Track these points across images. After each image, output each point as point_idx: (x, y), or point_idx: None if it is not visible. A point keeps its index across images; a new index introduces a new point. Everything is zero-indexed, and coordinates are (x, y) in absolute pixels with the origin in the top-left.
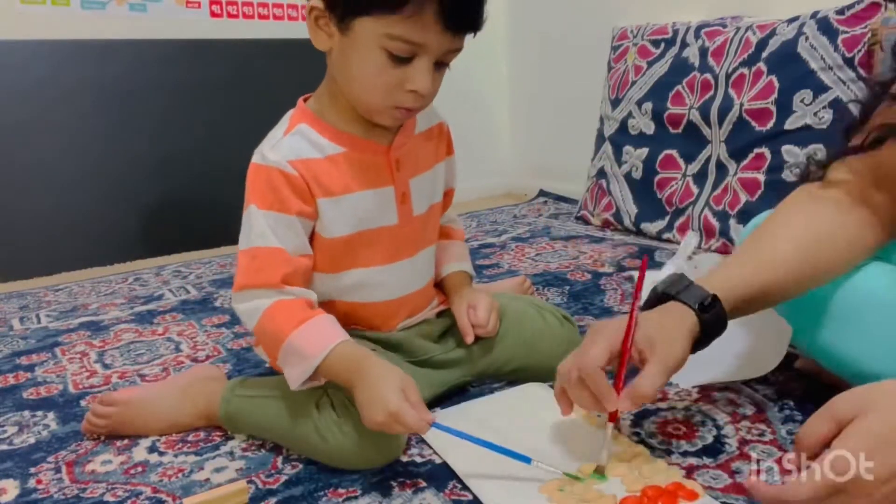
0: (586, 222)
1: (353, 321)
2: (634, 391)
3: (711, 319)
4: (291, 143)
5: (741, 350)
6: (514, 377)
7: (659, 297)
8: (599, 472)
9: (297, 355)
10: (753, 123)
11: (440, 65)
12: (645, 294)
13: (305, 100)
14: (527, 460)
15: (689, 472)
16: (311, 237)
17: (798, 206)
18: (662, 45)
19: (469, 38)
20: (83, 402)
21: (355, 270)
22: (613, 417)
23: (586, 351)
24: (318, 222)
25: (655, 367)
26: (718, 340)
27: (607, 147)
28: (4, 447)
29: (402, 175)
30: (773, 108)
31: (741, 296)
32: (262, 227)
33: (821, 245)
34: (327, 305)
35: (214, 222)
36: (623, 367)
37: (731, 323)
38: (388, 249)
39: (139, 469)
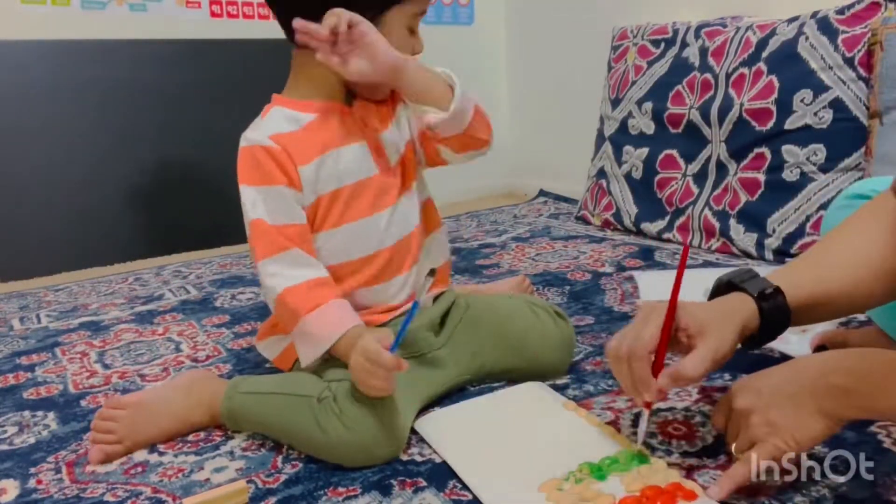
0: (586, 222)
1: (366, 278)
2: (678, 371)
3: (771, 309)
4: (270, 122)
5: None
6: (508, 376)
7: (722, 287)
8: (641, 455)
9: (309, 337)
10: (753, 123)
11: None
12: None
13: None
14: (415, 306)
15: (689, 472)
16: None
17: (882, 218)
18: (662, 44)
19: (469, 39)
20: (83, 402)
21: (350, 224)
22: (650, 404)
23: (639, 332)
24: (307, 187)
25: (703, 352)
26: None
27: (607, 147)
28: (4, 447)
29: (370, 131)
30: (773, 108)
31: (813, 289)
32: (255, 201)
33: (880, 240)
34: (335, 269)
35: (214, 222)
36: (663, 351)
37: None
38: (374, 198)
39: (139, 469)
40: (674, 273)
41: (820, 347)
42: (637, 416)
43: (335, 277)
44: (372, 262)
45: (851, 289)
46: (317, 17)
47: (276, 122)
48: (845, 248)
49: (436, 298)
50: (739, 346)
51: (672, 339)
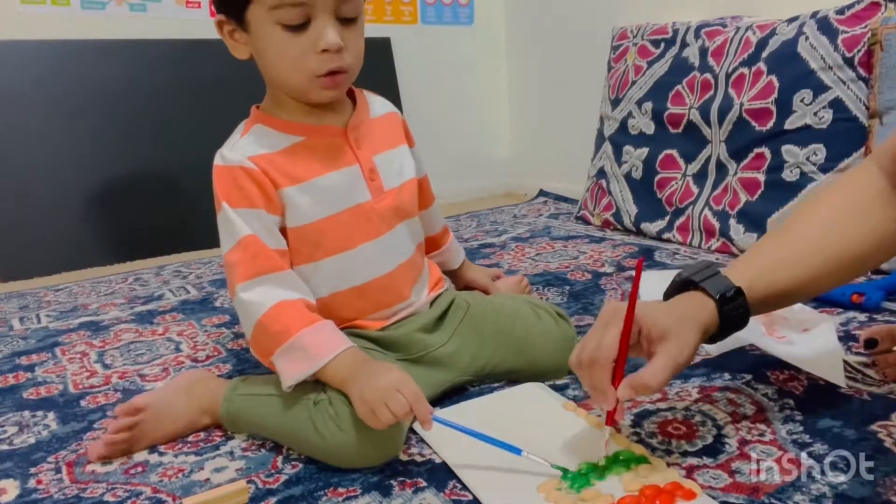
0: (586, 222)
1: (358, 309)
2: (638, 380)
3: (732, 312)
4: (249, 142)
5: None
6: (509, 377)
7: (682, 284)
8: (598, 473)
9: (302, 353)
10: (753, 123)
11: (346, 21)
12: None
13: (257, 108)
14: (517, 451)
15: (689, 472)
16: (285, 232)
17: (834, 186)
18: (662, 44)
19: (469, 39)
20: (83, 402)
21: (343, 254)
22: (610, 418)
23: (600, 340)
24: (291, 213)
25: (663, 361)
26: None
27: (607, 147)
28: (4, 447)
29: (364, 153)
30: (773, 108)
31: (770, 287)
32: (239, 221)
33: (847, 225)
34: (328, 300)
35: (214, 222)
36: (622, 362)
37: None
38: (368, 226)
39: (139, 469)
40: (674, 273)
41: (870, 342)
42: (635, 417)
43: (327, 309)
44: (365, 293)
45: (815, 277)
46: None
47: (256, 143)
48: (816, 230)
49: (433, 301)
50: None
51: (636, 343)
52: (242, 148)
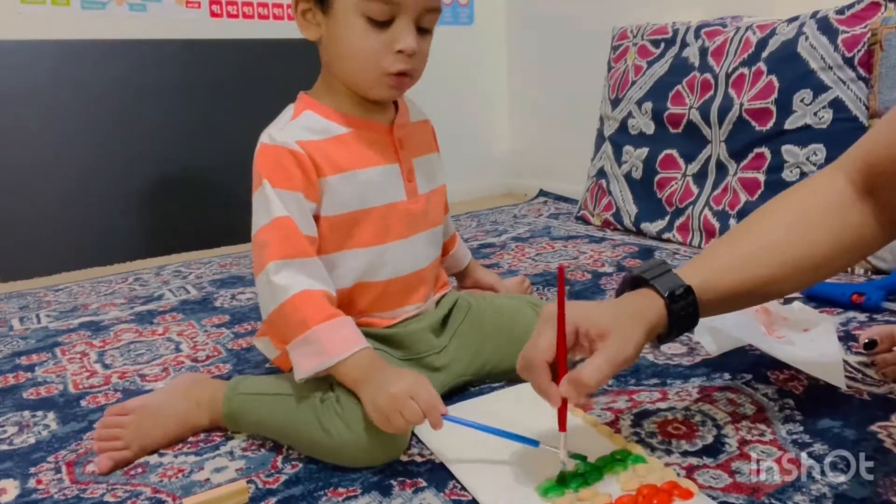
0: (586, 222)
1: (374, 304)
2: (576, 377)
3: (681, 311)
4: (299, 126)
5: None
6: (509, 377)
7: (633, 281)
8: (560, 481)
9: (317, 347)
10: (753, 123)
11: (422, 31)
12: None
13: (306, 94)
14: (534, 444)
15: (689, 471)
16: (317, 221)
17: (797, 190)
18: (662, 44)
19: (469, 38)
20: (83, 402)
21: (371, 248)
22: (563, 418)
23: (535, 343)
24: (329, 201)
25: (602, 359)
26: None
27: (607, 147)
28: (4, 447)
29: (405, 154)
30: (773, 108)
31: (723, 287)
32: (276, 201)
33: (807, 230)
34: (349, 291)
35: (214, 222)
36: (562, 360)
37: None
38: (399, 225)
39: (139, 470)
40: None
41: (869, 343)
42: (634, 417)
43: (346, 300)
44: (384, 289)
45: (771, 280)
46: None
47: (305, 128)
48: (775, 232)
49: (439, 301)
50: (649, 344)
51: (575, 343)
52: (292, 131)
